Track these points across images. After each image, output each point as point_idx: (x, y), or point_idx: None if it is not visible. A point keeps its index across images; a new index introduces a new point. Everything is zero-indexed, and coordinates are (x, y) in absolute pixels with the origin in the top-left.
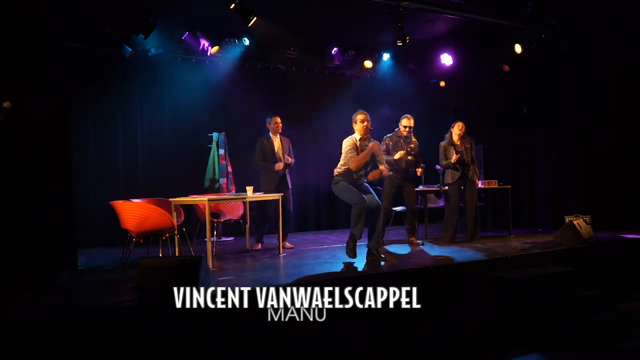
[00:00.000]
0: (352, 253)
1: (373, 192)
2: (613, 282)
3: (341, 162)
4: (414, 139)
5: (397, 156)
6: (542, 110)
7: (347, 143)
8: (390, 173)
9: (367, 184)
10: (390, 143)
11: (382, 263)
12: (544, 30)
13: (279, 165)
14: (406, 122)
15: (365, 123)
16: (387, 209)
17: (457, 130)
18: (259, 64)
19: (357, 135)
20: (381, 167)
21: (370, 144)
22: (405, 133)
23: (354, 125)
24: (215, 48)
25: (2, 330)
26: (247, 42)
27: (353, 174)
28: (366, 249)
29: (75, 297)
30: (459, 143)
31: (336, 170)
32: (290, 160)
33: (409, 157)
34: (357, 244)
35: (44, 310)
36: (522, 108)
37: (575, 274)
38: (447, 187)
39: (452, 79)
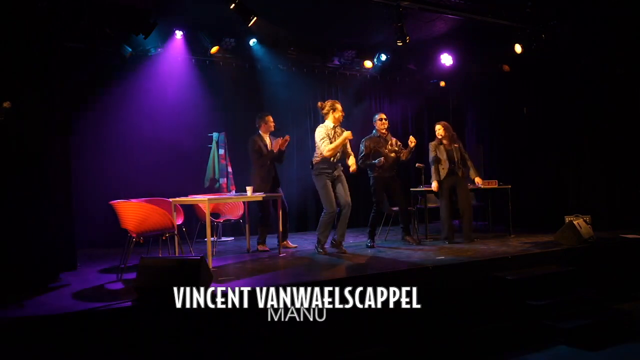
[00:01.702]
0: (323, 252)
1: (346, 188)
2: (613, 282)
3: (317, 150)
4: (393, 139)
5: (379, 162)
6: (542, 110)
7: (320, 132)
8: (375, 174)
9: (343, 177)
10: (372, 145)
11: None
12: (544, 30)
13: (279, 141)
14: (383, 117)
15: (342, 113)
16: (379, 206)
17: (437, 131)
18: (259, 64)
19: (330, 124)
20: (351, 161)
21: (345, 133)
22: (384, 130)
23: (331, 112)
24: (215, 48)
25: (2, 330)
26: (253, 42)
27: (329, 160)
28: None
29: (75, 297)
30: (446, 142)
31: (314, 159)
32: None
33: (392, 155)
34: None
35: (44, 310)
36: (522, 108)
37: (575, 274)
38: (435, 184)
39: (452, 79)
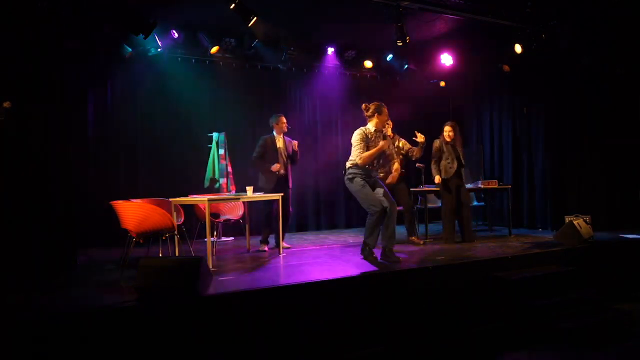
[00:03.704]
0: (371, 259)
1: (385, 188)
2: (613, 282)
3: (352, 155)
4: (402, 140)
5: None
6: (542, 110)
7: (357, 135)
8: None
9: (379, 179)
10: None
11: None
12: (544, 30)
13: (275, 167)
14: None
15: (387, 117)
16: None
17: (445, 132)
18: (259, 64)
19: (371, 127)
20: (395, 165)
21: (381, 143)
22: (389, 132)
23: (376, 116)
24: (215, 48)
25: (2, 330)
26: (253, 42)
27: (364, 166)
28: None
29: (75, 297)
30: (456, 143)
31: (348, 163)
32: (293, 160)
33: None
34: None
35: (44, 310)
36: (522, 108)
37: (575, 274)
38: (437, 177)
39: (452, 79)
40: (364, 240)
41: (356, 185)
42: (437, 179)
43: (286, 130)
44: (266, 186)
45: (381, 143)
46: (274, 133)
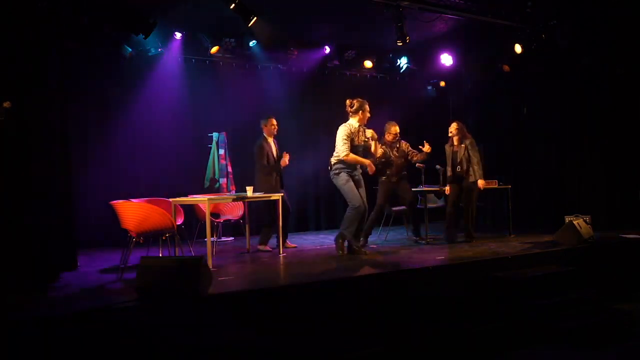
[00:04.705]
0: (342, 250)
1: (364, 191)
2: (613, 282)
3: (337, 150)
4: (403, 143)
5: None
6: (541, 110)
7: (342, 131)
8: (383, 178)
9: (362, 180)
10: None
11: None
12: (544, 30)
13: (285, 157)
14: (395, 129)
15: (369, 114)
16: (382, 208)
17: (450, 131)
18: (259, 64)
19: (355, 123)
20: (369, 162)
21: (368, 163)
22: (391, 139)
23: (360, 112)
24: (215, 48)
25: (2, 330)
26: (253, 42)
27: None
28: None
29: (75, 297)
30: (455, 143)
31: (334, 159)
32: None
33: (401, 160)
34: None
35: (44, 310)
36: (522, 108)
37: (575, 274)
38: (447, 187)
39: (452, 79)
40: (341, 231)
41: (341, 180)
42: (447, 189)
43: (275, 132)
44: (274, 190)
45: (368, 164)
46: (264, 135)
